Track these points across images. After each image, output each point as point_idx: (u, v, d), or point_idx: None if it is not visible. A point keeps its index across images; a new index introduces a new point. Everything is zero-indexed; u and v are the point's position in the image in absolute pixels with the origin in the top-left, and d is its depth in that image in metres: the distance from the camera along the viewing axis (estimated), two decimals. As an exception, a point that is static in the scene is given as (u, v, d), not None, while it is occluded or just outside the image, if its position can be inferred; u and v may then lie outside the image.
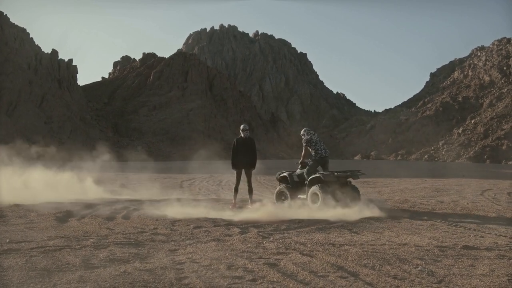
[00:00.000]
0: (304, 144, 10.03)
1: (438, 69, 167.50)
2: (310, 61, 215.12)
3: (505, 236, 6.54)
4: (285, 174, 10.30)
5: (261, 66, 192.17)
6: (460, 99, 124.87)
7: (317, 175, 9.50)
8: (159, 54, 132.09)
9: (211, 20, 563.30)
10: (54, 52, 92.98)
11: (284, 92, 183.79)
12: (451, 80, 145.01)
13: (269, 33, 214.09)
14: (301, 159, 10.16)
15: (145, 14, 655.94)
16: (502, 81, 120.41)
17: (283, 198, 10.03)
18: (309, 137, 10.00)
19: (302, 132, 10.25)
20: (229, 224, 7.46)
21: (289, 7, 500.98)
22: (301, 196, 9.66)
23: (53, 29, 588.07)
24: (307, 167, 9.88)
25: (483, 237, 6.52)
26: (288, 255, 5.23)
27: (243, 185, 10.40)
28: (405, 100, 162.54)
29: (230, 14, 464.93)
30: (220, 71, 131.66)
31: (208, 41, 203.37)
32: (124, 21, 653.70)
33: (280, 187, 10.25)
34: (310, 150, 9.96)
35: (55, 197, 10.78)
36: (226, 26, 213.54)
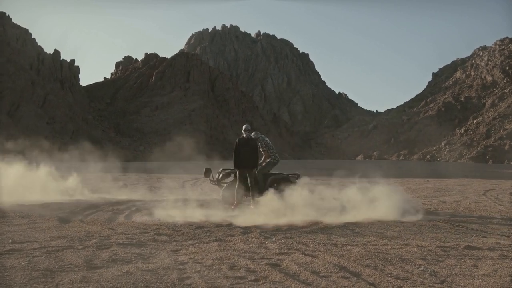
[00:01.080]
0: (265, 148, 10.19)
1: (440, 69, 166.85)
2: (312, 61, 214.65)
3: (507, 237, 6.53)
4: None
5: (263, 66, 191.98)
6: (462, 99, 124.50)
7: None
8: (161, 54, 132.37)
9: (213, 20, 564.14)
10: (56, 53, 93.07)
11: (286, 92, 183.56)
12: (453, 80, 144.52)
13: (271, 33, 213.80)
14: (262, 160, 10.25)
15: (145, 14, 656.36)
16: (505, 81, 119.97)
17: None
18: (266, 141, 10.25)
19: (255, 135, 10.18)
20: (231, 224, 7.47)
21: (290, 7, 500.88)
22: (259, 196, 9.47)
23: (53, 29, 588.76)
24: (261, 167, 9.98)
25: (485, 237, 6.50)
26: (291, 255, 5.23)
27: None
28: (407, 100, 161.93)
29: (231, 15, 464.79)
30: (222, 72, 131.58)
31: (210, 41, 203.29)
32: (124, 21, 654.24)
33: (224, 186, 10.21)
34: (268, 153, 10.14)
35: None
36: (228, 27, 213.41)
